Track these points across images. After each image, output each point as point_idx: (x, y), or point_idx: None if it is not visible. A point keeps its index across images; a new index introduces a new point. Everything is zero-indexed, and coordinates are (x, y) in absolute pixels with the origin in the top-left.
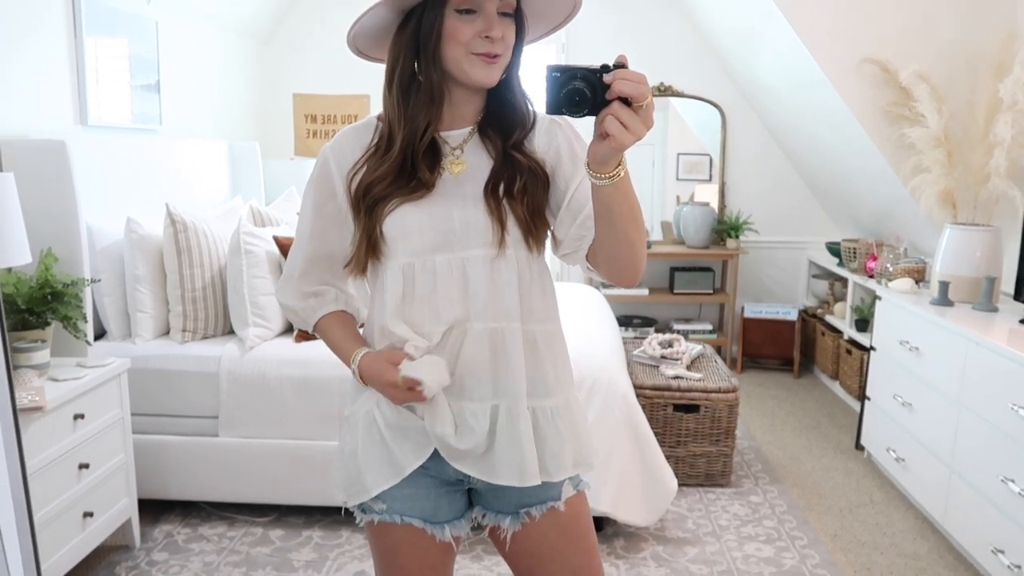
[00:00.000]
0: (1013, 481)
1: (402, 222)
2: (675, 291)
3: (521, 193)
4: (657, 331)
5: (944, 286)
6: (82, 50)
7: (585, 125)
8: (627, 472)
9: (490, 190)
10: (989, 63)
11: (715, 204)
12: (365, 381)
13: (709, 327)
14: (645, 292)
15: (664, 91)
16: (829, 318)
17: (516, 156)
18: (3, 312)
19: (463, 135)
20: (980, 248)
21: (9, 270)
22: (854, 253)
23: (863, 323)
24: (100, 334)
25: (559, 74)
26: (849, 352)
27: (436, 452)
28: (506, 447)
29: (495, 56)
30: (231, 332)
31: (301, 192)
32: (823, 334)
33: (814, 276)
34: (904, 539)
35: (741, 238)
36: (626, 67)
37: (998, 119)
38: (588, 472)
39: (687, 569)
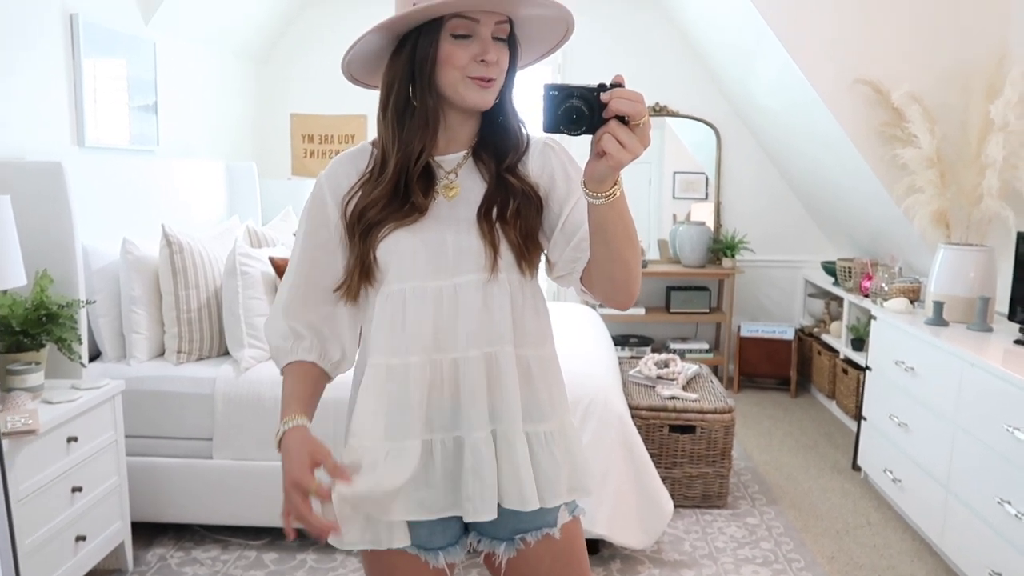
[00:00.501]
0: (1009, 503)
1: (396, 247)
2: (671, 310)
3: (514, 217)
4: (653, 350)
5: (939, 306)
6: (80, 71)
7: (581, 144)
8: (623, 494)
9: (483, 214)
10: (981, 84)
11: (711, 223)
12: (280, 451)
13: (705, 346)
14: (641, 311)
15: (660, 111)
16: (825, 337)
17: (510, 180)
18: None
19: (457, 159)
20: (974, 268)
21: (4, 292)
22: (849, 272)
23: (859, 342)
24: (95, 355)
25: (556, 93)
26: (845, 372)
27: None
28: (506, 472)
29: (490, 80)
30: (226, 353)
31: (298, 212)
32: (819, 353)
33: (810, 295)
34: (901, 561)
35: (737, 257)
36: (623, 86)
37: (990, 140)
38: (585, 498)
39: None
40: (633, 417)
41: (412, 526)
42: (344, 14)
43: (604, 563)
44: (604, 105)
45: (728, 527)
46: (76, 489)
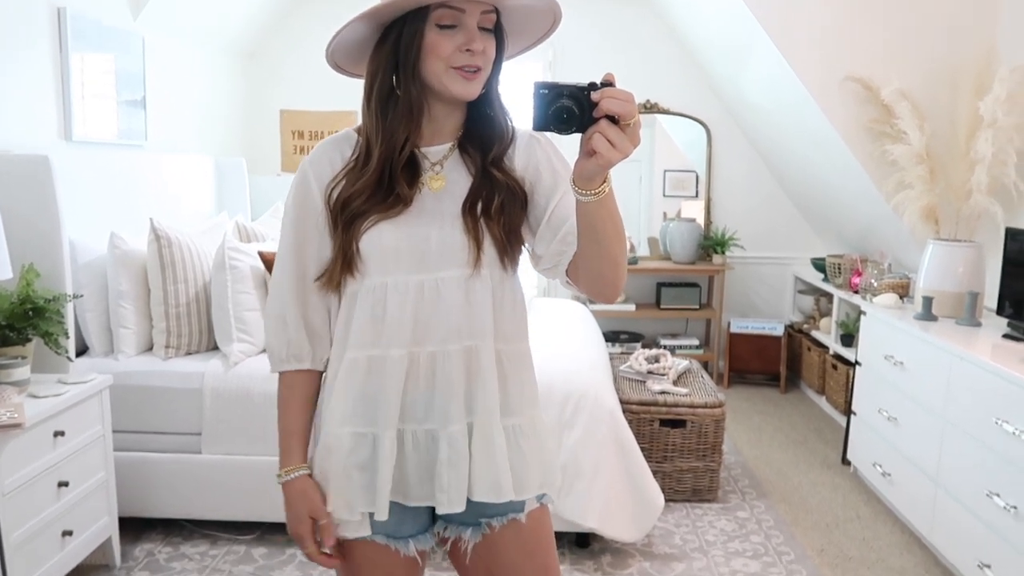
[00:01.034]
0: (998, 495)
1: (379, 240)
2: (662, 306)
3: (498, 213)
4: (644, 346)
5: (928, 301)
6: (67, 65)
7: (570, 142)
8: (614, 488)
9: (468, 209)
10: (969, 81)
11: (701, 220)
12: (283, 495)
13: (696, 342)
14: (632, 308)
15: (650, 108)
16: (815, 333)
17: (495, 174)
18: None
19: (443, 151)
20: (963, 264)
21: None
22: (839, 269)
23: (848, 338)
24: (82, 350)
25: (547, 91)
26: (835, 367)
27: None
28: (481, 464)
29: (476, 70)
30: (215, 348)
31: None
32: (809, 349)
33: (800, 291)
34: (891, 554)
35: (727, 254)
36: (614, 85)
37: (979, 136)
38: (551, 491)
39: None
40: (624, 412)
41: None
42: (333, 10)
43: (595, 556)
44: (594, 104)
45: (718, 520)
46: (63, 484)
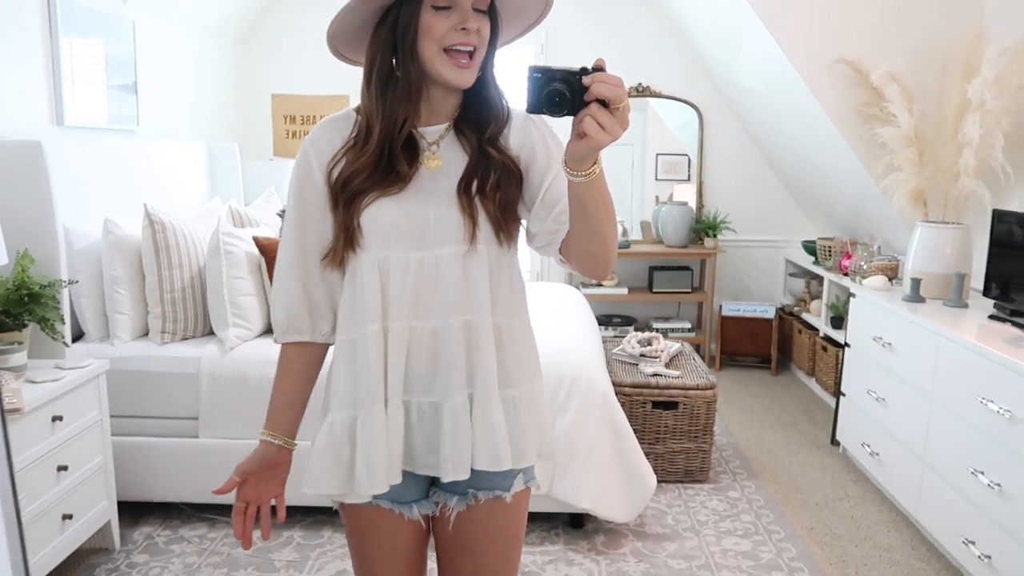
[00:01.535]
0: (983, 473)
1: (379, 216)
2: (654, 290)
3: (494, 190)
4: (636, 330)
5: (916, 283)
6: (58, 50)
7: (563, 124)
8: (607, 469)
9: (463, 188)
10: (958, 64)
11: (693, 204)
12: (254, 451)
13: (688, 325)
14: (624, 291)
15: (642, 91)
16: (806, 316)
17: (491, 152)
18: None
19: (440, 131)
20: (950, 245)
21: None
22: (829, 251)
23: (838, 320)
24: (78, 336)
25: (540, 75)
26: (825, 349)
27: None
28: (480, 435)
29: (470, 54)
30: (211, 333)
31: (281, 193)
32: (800, 332)
33: (791, 274)
34: (879, 532)
35: (719, 237)
36: (604, 70)
37: (967, 119)
38: (549, 462)
39: (666, 564)
40: (617, 394)
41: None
42: None
43: (588, 537)
44: (586, 88)
45: (710, 501)
46: (62, 468)
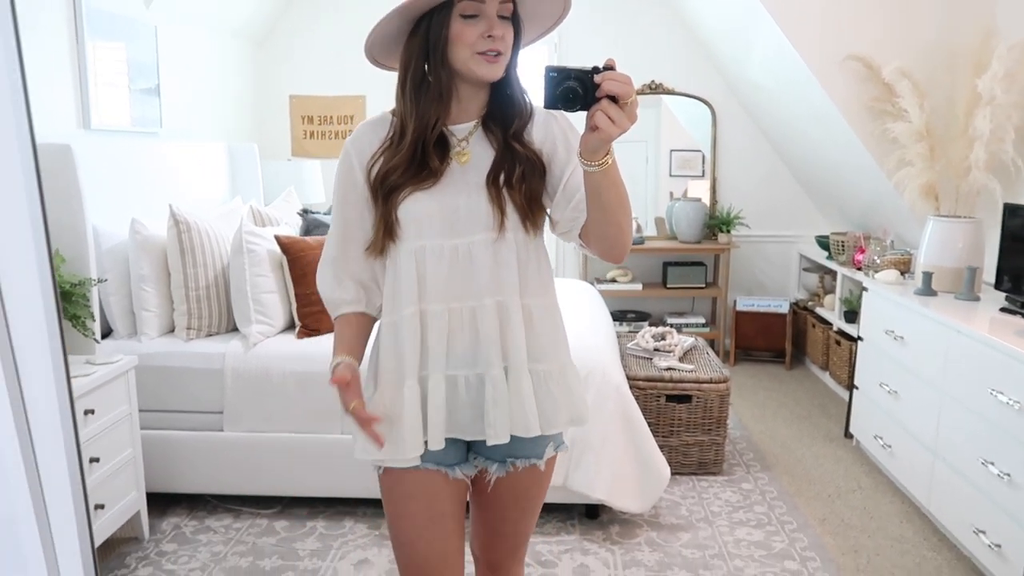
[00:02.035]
0: (993, 464)
1: (415, 208)
2: (668, 285)
3: (519, 182)
4: (651, 325)
5: (928, 276)
6: (84, 55)
7: (578, 118)
8: (621, 461)
9: (491, 180)
10: (968, 59)
11: (707, 199)
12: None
13: (702, 320)
14: (639, 287)
15: (655, 89)
16: (819, 310)
17: (516, 147)
18: (59, 299)
19: (468, 128)
20: (962, 239)
21: None
22: (842, 246)
23: (852, 314)
24: (107, 332)
25: (555, 74)
26: (838, 343)
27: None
28: (515, 403)
29: (498, 54)
30: (234, 329)
31: (300, 193)
32: (813, 326)
33: (804, 269)
34: (890, 522)
35: (732, 232)
36: (614, 69)
37: (977, 114)
38: (581, 426)
39: (680, 554)
40: (631, 388)
41: (427, 448)
42: None
43: (603, 527)
44: (597, 86)
45: (723, 492)
46: (94, 460)
